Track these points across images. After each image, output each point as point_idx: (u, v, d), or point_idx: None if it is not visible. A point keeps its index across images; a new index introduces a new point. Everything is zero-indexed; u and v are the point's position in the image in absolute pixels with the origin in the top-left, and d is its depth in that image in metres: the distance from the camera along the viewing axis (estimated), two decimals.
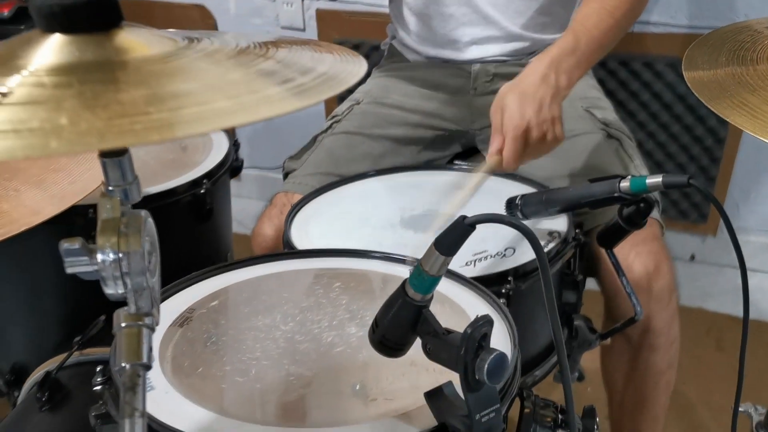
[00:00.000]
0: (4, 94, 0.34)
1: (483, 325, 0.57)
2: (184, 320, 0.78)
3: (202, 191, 1.28)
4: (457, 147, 1.47)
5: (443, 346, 0.60)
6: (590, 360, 1.35)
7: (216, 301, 0.82)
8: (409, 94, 1.45)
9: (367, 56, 2.13)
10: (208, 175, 1.31)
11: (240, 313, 0.81)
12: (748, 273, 0.91)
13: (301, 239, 1.07)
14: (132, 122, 0.32)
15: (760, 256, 1.99)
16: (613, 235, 1.03)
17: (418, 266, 0.62)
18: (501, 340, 0.77)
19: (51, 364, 1.06)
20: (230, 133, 1.47)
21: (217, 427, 0.61)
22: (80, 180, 0.85)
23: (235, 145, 1.44)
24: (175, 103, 0.34)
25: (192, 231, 1.31)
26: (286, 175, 1.44)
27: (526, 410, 0.73)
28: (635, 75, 1.91)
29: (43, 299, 1.21)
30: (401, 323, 0.63)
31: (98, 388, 0.69)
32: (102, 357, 1.01)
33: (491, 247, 1.07)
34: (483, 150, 1.45)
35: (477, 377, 0.57)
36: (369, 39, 2.02)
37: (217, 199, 1.35)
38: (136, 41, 0.42)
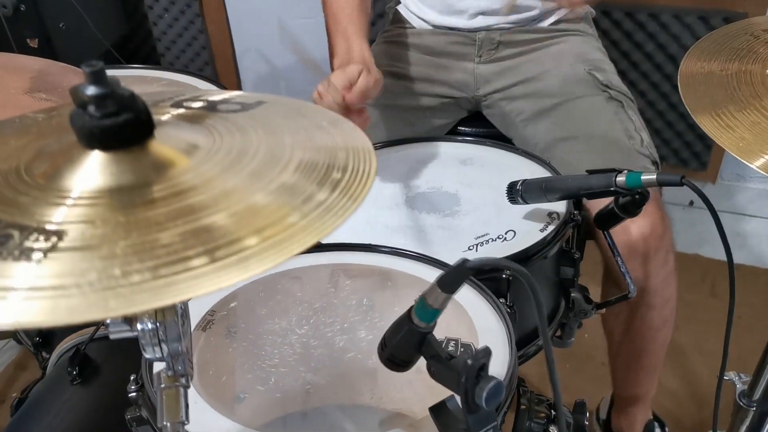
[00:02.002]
0: (57, 237, 0.39)
1: (482, 357, 0.63)
2: (206, 323, 0.84)
3: None
4: (463, 112, 1.50)
5: (446, 371, 0.66)
6: None
7: (234, 302, 0.88)
8: (414, 61, 1.47)
9: (371, 24, 2.11)
10: None
11: (257, 316, 0.87)
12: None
13: None
14: (175, 271, 0.37)
15: (756, 201, 2.04)
16: (609, 220, 1.08)
17: (422, 299, 0.67)
18: (499, 342, 0.82)
19: (79, 337, 1.12)
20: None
21: None
22: None
23: None
24: (211, 239, 0.39)
25: None
26: None
27: (522, 407, 0.80)
28: (640, 26, 1.91)
29: None
30: (407, 345, 0.69)
31: (132, 395, 0.76)
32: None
33: (493, 231, 1.12)
34: (488, 116, 1.48)
35: (476, 401, 0.64)
36: None
37: None
38: (169, 149, 0.46)
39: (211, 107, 0.54)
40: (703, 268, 2.03)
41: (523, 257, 1.05)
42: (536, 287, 0.62)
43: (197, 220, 0.40)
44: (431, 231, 1.13)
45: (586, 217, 1.18)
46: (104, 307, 0.35)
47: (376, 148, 1.31)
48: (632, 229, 1.21)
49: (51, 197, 0.42)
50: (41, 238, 0.39)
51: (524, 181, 1.11)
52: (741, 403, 1.11)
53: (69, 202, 0.42)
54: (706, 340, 1.87)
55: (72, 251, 0.38)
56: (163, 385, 0.52)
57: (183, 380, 0.53)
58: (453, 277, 0.64)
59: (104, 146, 0.44)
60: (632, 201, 1.01)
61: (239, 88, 2.47)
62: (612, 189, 0.99)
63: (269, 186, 0.43)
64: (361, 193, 0.44)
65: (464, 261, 0.63)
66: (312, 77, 2.23)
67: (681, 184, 0.92)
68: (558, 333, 1.26)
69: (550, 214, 1.13)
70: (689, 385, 1.79)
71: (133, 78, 1.54)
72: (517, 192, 1.11)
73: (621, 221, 1.06)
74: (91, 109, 0.44)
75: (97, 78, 0.43)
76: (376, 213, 1.18)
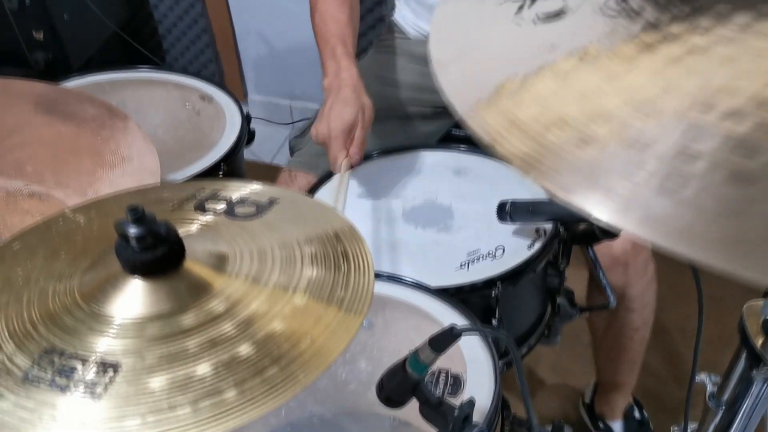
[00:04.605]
0: (113, 370, 0.47)
1: (467, 407, 0.73)
2: None
3: (220, 176, 1.40)
4: (456, 119, 1.56)
5: (435, 415, 0.75)
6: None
7: None
8: (408, 70, 1.53)
9: (370, 10, 2.15)
10: (225, 157, 1.41)
11: None
12: None
13: None
14: (211, 403, 0.45)
15: None
16: (590, 239, 1.16)
17: (415, 354, 0.76)
18: (485, 374, 0.91)
19: None
20: (240, 102, 1.55)
21: None
22: None
23: (247, 118, 1.53)
24: (238, 370, 0.47)
25: None
26: (292, 151, 1.54)
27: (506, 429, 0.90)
28: None
29: None
30: (402, 390, 0.78)
31: None
32: None
33: (483, 246, 1.20)
34: None
35: None
36: None
37: (232, 175, 1.46)
38: (199, 267, 0.54)
39: (230, 211, 0.62)
40: None
41: (513, 274, 1.14)
42: (518, 356, 0.71)
43: (225, 351, 0.49)
44: (426, 247, 1.22)
45: (573, 229, 1.27)
46: None
47: (371, 158, 1.41)
48: (615, 245, 1.30)
49: (99, 325, 0.51)
50: (100, 370, 0.47)
51: (513, 202, 1.19)
52: (710, 405, 1.21)
53: (115, 330, 0.50)
54: (688, 320, 1.96)
55: (126, 384, 0.47)
56: None
57: None
58: (442, 340, 0.73)
59: (144, 274, 0.52)
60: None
61: (241, 72, 2.52)
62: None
63: (284, 310, 0.52)
64: (362, 308, 0.52)
65: (452, 327, 0.72)
66: (310, 59, 2.29)
67: None
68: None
69: (537, 230, 1.21)
70: (671, 364, 1.89)
71: (140, 82, 1.60)
72: (506, 213, 1.18)
73: (601, 241, 1.14)
74: (133, 243, 0.52)
75: (138, 219, 0.51)
76: (374, 227, 1.26)
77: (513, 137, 0.35)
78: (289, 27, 2.32)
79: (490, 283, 1.11)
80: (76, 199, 1.03)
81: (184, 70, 2.53)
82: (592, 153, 0.33)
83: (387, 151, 1.43)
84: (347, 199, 1.31)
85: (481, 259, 1.18)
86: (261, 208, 0.63)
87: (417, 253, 1.20)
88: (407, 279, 1.07)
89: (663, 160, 0.32)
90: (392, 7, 1.59)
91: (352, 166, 1.26)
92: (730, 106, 0.32)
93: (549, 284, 1.28)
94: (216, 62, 2.49)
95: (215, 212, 0.62)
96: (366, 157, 1.40)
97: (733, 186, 0.30)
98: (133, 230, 0.51)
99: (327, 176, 1.34)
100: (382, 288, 1.05)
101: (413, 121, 1.51)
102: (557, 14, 0.41)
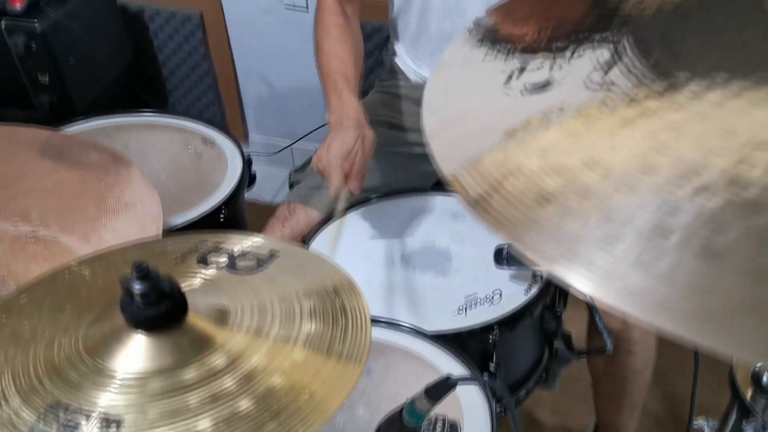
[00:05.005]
0: (116, 426, 0.49)
1: None
2: None
3: (221, 219, 1.42)
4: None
5: None
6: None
7: None
8: (408, 112, 1.56)
9: (368, 37, 2.20)
10: (226, 201, 1.44)
11: None
12: None
13: None
14: None
15: None
16: None
17: (412, 403, 0.77)
18: (482, 420, 0.92)
19: None
20: (241, 145, 1.58)
21: None
22: None
23: (248, 162, 1.55)
24: (237, 427, 0.49)
25: None
26: (291, 186, 1.56)
27: None
28: None
29: None
30: None
31: None
32: None
33: (481, 290, 1.21)
34: None
35: None
36: (371, 20, 2.08)
37: (234, 220, 1.48)
38: (201, 322, 0.56)
39: (232, 264, 0.64)
40: None
41: (510, 319, 1.15)
42: (512, 405, 0.72)
43: (226, 406, 0.50)
44: (424, 291, 1.23)
45: None
46: None
47: (370, 201, 1.43)
48: None
49: (103, 379, 0.52)
50: (103, 426, 0.49)
51: (510, 247, 1.20)
52: None
53: (118, 385, 0.52)
54: (687, 362, 1.95)
55: None
56: None
57: None
58: (438, 389, 0.74)
59: (148, 329, 0.54)
60: None
61: (242, 111, 2.55)
62: None
63: (284, 364, 0.53)
64: (360, 361, 0.53)
65: (448, 377, 0.73)
66: (309, 99, 2.32)
67: None
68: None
69: (534, 274, 1.23)
70: (671, 407, 1.89)
71: (144, 126, 1.63)
72: (503, 258, 1.20)
73: None
74: (138, 299, 0.53)
75: (143, 276, 0.52)
76: (373, 271, 1.28)
77: (498, 205, 0.37)
78: (289, 68, 2.36)
79: (487, 328, 1.13)
80: (81, 244, 1.05)
81: (187, 111, 2.59)
82: (574, 225, 0.35)
83: (386, 195, 1.46)
84: (347, 236, 1.33)
85: (478, 303, 1.20)
86: (262, 262, 0.64)
87: (415, 297, 1.22)
88: (405, 324, 1.09)
89: (640, 233, 0.34)
90: (393, 53, 1.63)
91: (351, 194, 1.28)
92: (702, 182, 0.34)
93: (546, 328, 1.29)
94: (218, 103, 2.53)
95: (217, 266, 0.64)
96: (365, 201, 1.42)
97: (704, 261, 0.32)
98: (138, 287, 0.53)
99: (325, 220, 1.36)
100: (380, 333, 1.07)
101: (413, 160, 1.53)
102: (543, 86, 0.43)
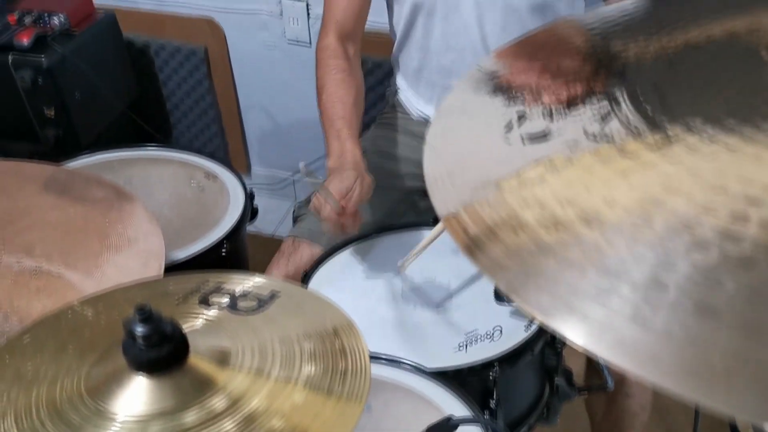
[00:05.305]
0: None
1: None
2: None
3: (223, 253, 1.42)
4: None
5: None
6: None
7: None
8: (409, 146, 1.57)
9: (370, 72, 2.22)
10: (228, 236, 1.44)
11: None
12: None
13: None
14: None
15: None
16: None
17: None
18: None
19: None
20: (243, 179, 1.59)
21: None
22: None
23: (250, 196, 1.56)
24: None
25: None
26: (295, 220, 1.57)
27: None
28: None
29: None
30: None
31: None
32: None
33: (481, 326, 1.22)
34: None
35: None
36: (372, 55, 2.11)
37: (235, 253, 1.49)
38: (202, 363, 0.56)
39: (233, 305, 0.64)
40: None
41: (511, 356, 1.15)
42: None
43: None
44: (425, 327, 1.23)
45: None
46: None
47: (370, 236, 1.43)
48: None
49: (104, 422, 0.52)
50: None
51: None
52: None
53: (118, 429, 0.52)
54: None
55: None
56: None
57: None
58: (439, 431, 0.74)
59: (149, 371, 0.54)
60: None
61: (245, 144, 2.58)
62: None
63: (284, 406, 0.53)
64: (359, 403, 0.54)
65: (449, 418, 0.73)
66: (311, 132, 2.34)
67: None
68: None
69: None
70: None
71: (148, 160, 1.64)
72: (503, 295, 1.21)
73: None
74: (140, 342, 0.54)
75: (145, 319, 0.53)
76: (374, 306, 1.28)
77: (493, 253, 0.38)
78: (291, 102, 2.39)
79: (488, 365, 1.12)
80: (84, 280, 1.05)
81: (190, 144, 2.61)
82: (571, 277, 0.36)
83: (385, 229, 1.46)
84: (346, 272, 1.34)
85: (479, 340, 1.20)
86: (263, 302, 0.65)
87: (416, 333, 1.22)
88: (406, 362, 1.09)
89: (636, 287, 0.34)
90: (395, 89, 1.65)
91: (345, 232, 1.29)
92: (696, 237, 0.34)
93: (547, 364, 1.29)
94: (221, 136, 2.55)
95: (219, 307, 0.65)
96: (365, 236, 1.43)
97: (699, 317, 0.32)
98: (140, 329, 0.54)
99: (326, 255, 1.37)
100: (381, 371, 1.07)
101: (412, 195, 1.54)
102: (542, 136, 0.44)
